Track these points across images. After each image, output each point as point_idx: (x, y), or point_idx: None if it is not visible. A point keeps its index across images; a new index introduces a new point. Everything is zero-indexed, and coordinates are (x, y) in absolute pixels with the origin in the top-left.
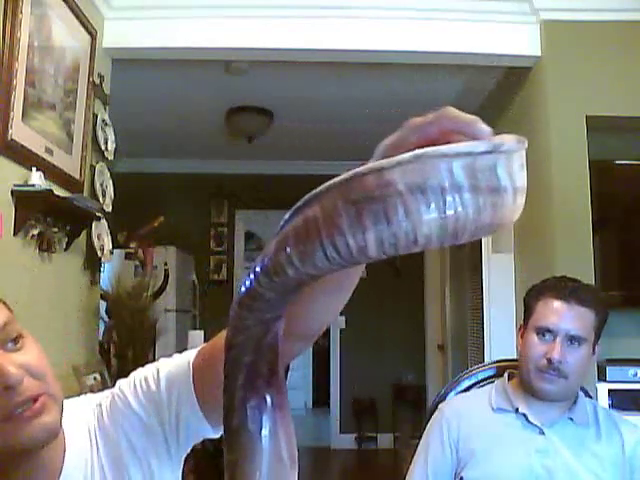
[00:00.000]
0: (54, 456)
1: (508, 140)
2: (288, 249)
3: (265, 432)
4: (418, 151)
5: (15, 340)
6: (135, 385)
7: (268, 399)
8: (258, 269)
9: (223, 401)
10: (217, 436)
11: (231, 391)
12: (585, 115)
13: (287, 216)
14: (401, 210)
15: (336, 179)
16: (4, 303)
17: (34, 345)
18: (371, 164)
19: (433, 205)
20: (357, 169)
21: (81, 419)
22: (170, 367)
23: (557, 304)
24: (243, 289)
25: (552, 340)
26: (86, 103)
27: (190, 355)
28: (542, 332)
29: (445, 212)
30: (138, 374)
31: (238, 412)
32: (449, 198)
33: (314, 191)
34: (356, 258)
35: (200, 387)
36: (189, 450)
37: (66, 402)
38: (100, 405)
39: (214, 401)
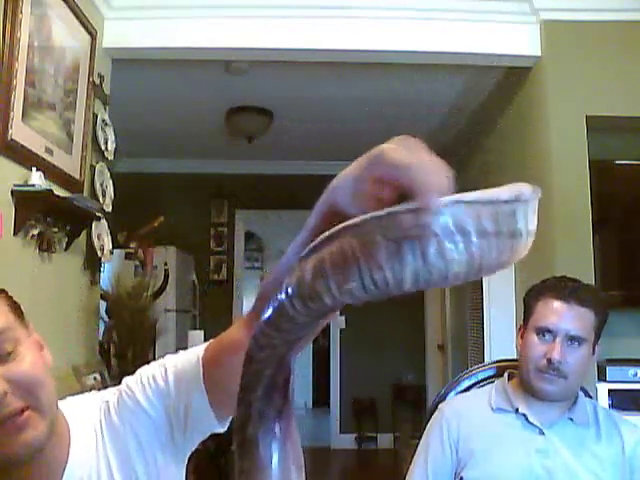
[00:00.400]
0: (58, 452)
1: (526, 190)
2: (327, 278)
3: (276, 442)
4: (454, 197)
5: (8, 350)
6: (142, 381)
7: (280, 410)
8: (291, 291)
9: (238, 411)
10: (223, 431)
11: (248, 402)
12: (585, 115)
13: (317, 242)
14: (436, 249)
15: (370, 214)
16: (11, 306)
17: (31, 354)
18: (407, 205)
19: (462, 246)
20: (392, 208)
21: (87, 415)
22: (178, 362)
23: (557, 304)
24: (273, 309)
25: (552, 340)
26: (86, 103)
27: (198, 350)
28: (542, 332)
29: (473, 254)
30: (145, 371)
31: (254, 422)
32: (476, 240)
33: (347, 223)
34: (391, 290)
35: (209, 381)
36: (194, 448)
37: (71, 399)
38: (107, 402)
39: (222, 395)
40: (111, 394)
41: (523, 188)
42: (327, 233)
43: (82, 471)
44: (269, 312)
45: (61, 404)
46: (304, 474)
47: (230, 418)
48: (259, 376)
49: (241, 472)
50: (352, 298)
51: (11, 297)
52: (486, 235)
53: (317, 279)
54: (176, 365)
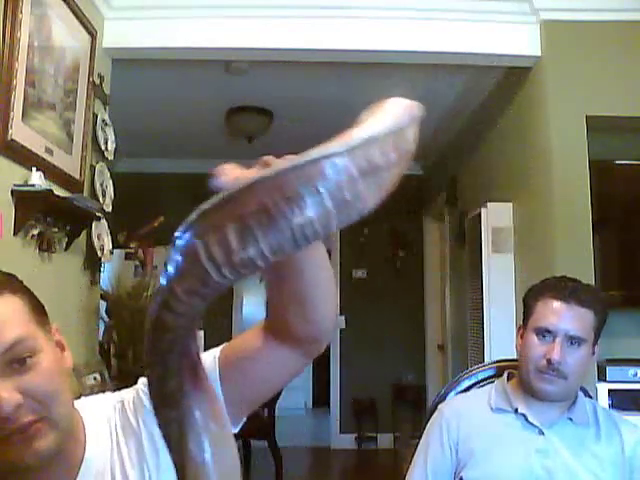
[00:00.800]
0: (74, 451)
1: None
2: (258, 242)
3: (194, 394)
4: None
5: (23, 359)
6: None
7: (193, 368)
8: (220, 260)
9: (155, 368)
10: (235, 431)
11: (163, 362)
12: (585, 115)
13: (224, 197)
14: (349, 190)
15: (279, 167)
16: (33, 309)
17: (49, 363)
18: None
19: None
20: (296, 161)
21: (102, 415)
22: None
23: (557, 304)
24: (197, 276)
25: (552, 341)
26: (86, 103)
27: (215, 351)
28: (542, 333)
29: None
30: None
31: (173, 377)
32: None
33: (258, 177)
34: (320, 237)
35: (225, 383)
36: None
37: (86, 400)
38: (122, 401)
39: (237, 397)
40: (126, 393)
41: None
42: (236, 188)
43: (97, 468)
44: (191, 279)
45: (76, 404)
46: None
47: (243, 420)
48: (173, 343)
49: (171, 421)
50: (283, 255)
51: (34, 296)
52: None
53: (247, 245)
54: None
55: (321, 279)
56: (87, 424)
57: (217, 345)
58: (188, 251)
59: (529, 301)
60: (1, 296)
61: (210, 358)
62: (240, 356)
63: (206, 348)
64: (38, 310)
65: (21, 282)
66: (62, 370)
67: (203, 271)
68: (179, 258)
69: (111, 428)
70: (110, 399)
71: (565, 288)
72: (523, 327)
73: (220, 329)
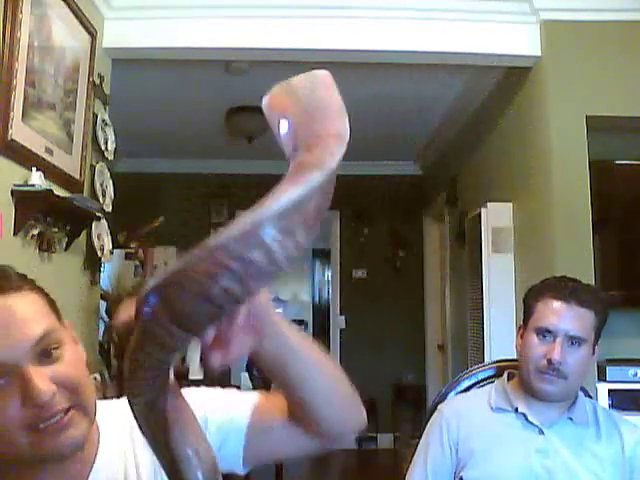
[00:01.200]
0: (87, 452)
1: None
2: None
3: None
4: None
5: (51, 351)
6: (194, 399)
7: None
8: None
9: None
10: (243, 473)
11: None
12: (585, 115)
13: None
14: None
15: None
16: (50, 304)
17: (73, 353)
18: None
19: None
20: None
21: (119, 419)
22: (223, 418)
23: (557, 305)
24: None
25: (552, 341)
26: (86, 103)
27: (252, 402)
28: (542, 333)
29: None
30: (199, 393)
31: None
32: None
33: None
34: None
35: (251, 434)
36: None
37: (102, 403)
38: None
39: (258, 449)
40: None
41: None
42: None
43: (108, 472)
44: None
45: (100, 405)
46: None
47: (250, 467)
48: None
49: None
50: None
51: (47, 293)
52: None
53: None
54: (222, 421)
55: (321, 386)
56: (102, 426)
57: None
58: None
59: (529, 301)
60: (22, 292)
61: (247, 404)
62: (267, 423)
63: None
64: (53, 305)
65: (33, 280)
66: (83, 361)
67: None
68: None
69: (132, 435)
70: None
71: (565, 288)
72: (523, 327)
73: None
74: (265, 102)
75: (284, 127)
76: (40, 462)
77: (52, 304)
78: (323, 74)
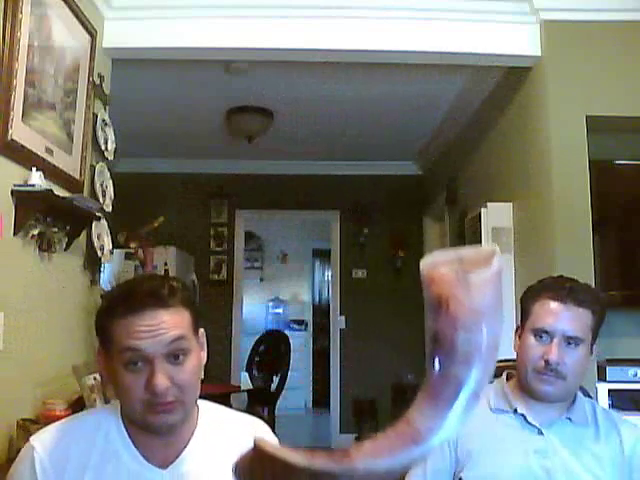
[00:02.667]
0: (180, 439)
1: None
2: None
3: None
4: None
5: (179, 356)
6: None
7: None
8: None
9: None
10: None
11: None
12: (585, 115)
13: None
14: None
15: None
16: (193, 316)
17: (195, 360)
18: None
19: None
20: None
21: (237, 434)
22: None
23: (554, 305)
24: None
25: (549, 341)
26: (86, 103)
27: None
28: (539, 333)
29: None
30: None
31: None
32: None
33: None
34: None
35: None
36: None
37: (232, 415)
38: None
39: None
40: (268, 434)
41: None
42: None
43: (189, 466)
44: None
45: (220, 411)
46: None
47: None
48: None
49: None
50: None
51: (195, 307)
52: None
53: None
54: None
55: None
56: (204, 424)
57: (217, 343)
58: None
59: (526, 302)
60: (175, 307)
61: None
62: None
63: (207, 348)
64: (196, 320)
65: (190, 293)
66: (200, 368)
67: None
68: None
69: (234, 450)
70: (254, 428)
71: (562, 288)
72: (521, 328)
73: (220, 329)
74: (427, 271)
75: (446, 348)
76: (147, 430)
77: (196, 319)
78: (497, 266)
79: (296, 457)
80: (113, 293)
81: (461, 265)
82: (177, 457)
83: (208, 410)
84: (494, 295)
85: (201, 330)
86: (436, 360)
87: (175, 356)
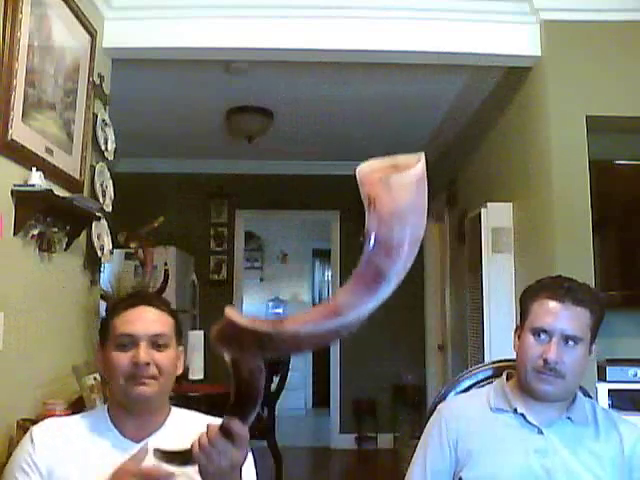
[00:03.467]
0: (154, 417)
1: None
2: None
3: None
4: None
5: (159, 346)
6: None
7: None
8: None
9: None
10: None
11: None
12: (585, 115)
13: None
14: None
15: None
16: (176, 325)
17: (171, 355)
18: None
19: None
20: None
21: (192, 427)
22: None
23: (552, 304)
24: None
25: (548, 341)
26: (86, 103)
27: None
28: (538, 333)
29: None
30: None
31: None
32: None
33: None
34: None
35: None
36: None
37: (194, 415)
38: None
39: None
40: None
41: None
42: None
43: (159, 442)
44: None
45: (180, 410)
46: None
47: None
48: None
49: None
50: None
51: (179, 321)
52: None
53: None
54: None
55: None
56: (173, 417)
57: None
58: None
59: (525, 302)
60: (165, 312)
61: None
62: None
63: (207, 347)
64: (178, 330)
65: (171, 307)
66: (176, 368)
67: None
68: None
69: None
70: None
71: (560, 288)
72: (520, 328)
73: None
74: (361, 175)
75: (371, 242)
76: (127, 406)
77: (178, 329)
78: (419, 170)
79: (243, 320)
80: (118, 299)
81: (391, 170)
82: (149, 435)
83: (179, 410)
84: (415, 196)
85: (181, 347)
86: (364, 251)
87: (158, 345)
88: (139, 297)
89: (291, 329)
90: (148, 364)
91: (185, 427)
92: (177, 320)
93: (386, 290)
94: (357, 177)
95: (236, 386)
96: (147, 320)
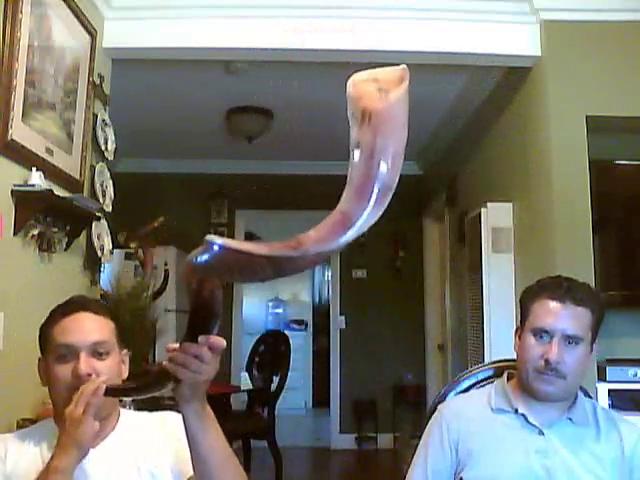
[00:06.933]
0: (104, 424)
1: None
2: None
3: None
4: None
5: (100, 354)
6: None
7: None
8: None
9: None
10: None
11: None
12: (585, 115)
13: None
14: None
15: None
16: (117, 329)
17: (113, 362)
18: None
19: None
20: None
21: (144, 423)
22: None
23: (553, 304)
24: None
25: (549, 341)
26: (86, 103)
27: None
28: (538, 333)
29: None
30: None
31: None
32: None
33: None
34: None
35: None
36: None
37: (141, 414)
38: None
39: None
40: (172, 416)
41: None
42: None
43: (125, 439)
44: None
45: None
46: None
47: None
48: None
49: None
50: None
51: (116, 323)
52: None
53: None
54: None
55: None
56: (124, 419)
57: None
58: None
59: (525, 302)
60: (104, 316)
61: (185, 469)
62: None
63: None
64: (119, 333)
65: (112, 312)
66: (120, 373)
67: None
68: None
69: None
70: (174, 415)
71: (560, 288)
72: (520, 328)
73: (220, 329)
74: (356, 89)
75: (356, 156)
76: None
77: (119, 333)
78: (407, 83)
79: (258, 248)
80: (55, 308)
81: (378, 83)
82: (101, 441)
83: (129, 412)
84: (405, 109)
85: (124, 350)
86: (358, 160)
87: (99, 353)
88: (75, 303)
89: (313, 250)
90: (90, 375)
91: (137, 428)
92: (116, 324)
93: (387, 199)
94: (350, 90)
95: (195, 308)
96: (85, 328)
